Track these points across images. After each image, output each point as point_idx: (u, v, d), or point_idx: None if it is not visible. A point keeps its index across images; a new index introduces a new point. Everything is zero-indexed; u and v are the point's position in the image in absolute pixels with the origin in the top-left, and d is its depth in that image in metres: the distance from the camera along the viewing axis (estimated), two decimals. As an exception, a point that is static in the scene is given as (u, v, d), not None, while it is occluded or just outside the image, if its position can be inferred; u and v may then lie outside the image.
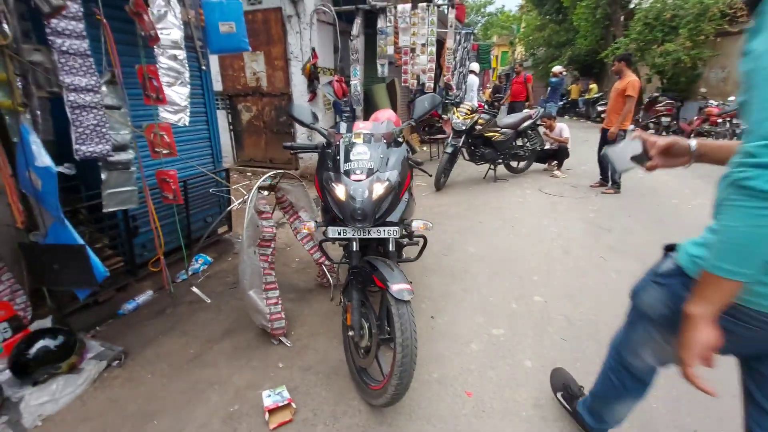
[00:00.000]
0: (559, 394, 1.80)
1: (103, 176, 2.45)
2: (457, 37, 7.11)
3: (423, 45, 5.57)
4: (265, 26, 6.21)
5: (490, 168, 6.08)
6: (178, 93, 2.78)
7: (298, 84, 6.26)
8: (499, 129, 5.65)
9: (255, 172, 7.13)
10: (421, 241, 2.09)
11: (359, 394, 1.90)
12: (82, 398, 2.01)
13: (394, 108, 7.80)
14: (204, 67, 3.13)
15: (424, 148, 8.56)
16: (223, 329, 2.54)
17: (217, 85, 6.92)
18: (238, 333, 2.48)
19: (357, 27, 5.61)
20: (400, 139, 1.89)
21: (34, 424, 1.85)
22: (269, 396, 1.85)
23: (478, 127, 5.50)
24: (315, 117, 1.91)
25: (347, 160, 1.69)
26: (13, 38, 1.86)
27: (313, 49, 5.91)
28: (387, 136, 1.82)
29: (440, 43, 7.02)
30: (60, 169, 1.96)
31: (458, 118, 5.39)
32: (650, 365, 1.21)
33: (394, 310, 1.64)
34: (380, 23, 5.56)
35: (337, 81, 5.92)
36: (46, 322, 2.42)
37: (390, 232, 1.76)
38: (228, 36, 3.23)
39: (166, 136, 2.76)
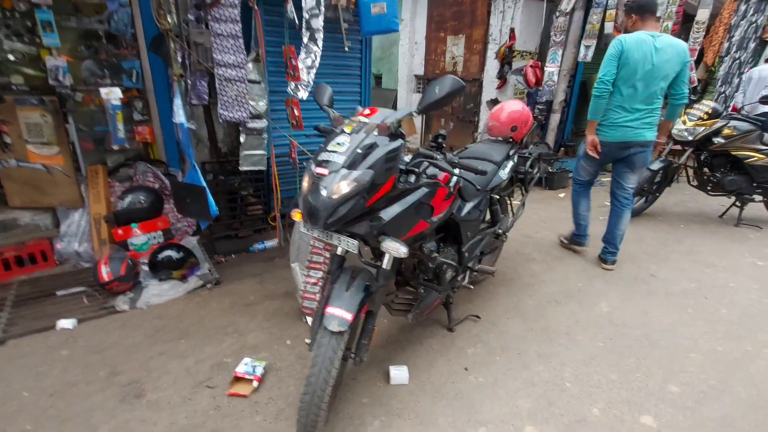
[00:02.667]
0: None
1: (241, 139, 3.00)
2: (742, 8, 4.81)
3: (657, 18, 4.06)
4: (471, 7, 5.94)
5: (734, 204, 4.05)
6: (310, 71, 3.03)
7: (491, 69, 5.78)
8: (763, 148, 3.63)
9: (435, 156, 7.20)
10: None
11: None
12: (175, 302, 2.64)
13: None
14: (347, 49, 3.27)
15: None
16: (284, 290, 2.77)
17: (421, 69, 7.22)
18: (290, 299, 2.66)
19: (568, 0, 4.62)
20: (402, 131, 1.47)
21: (140, 307, 2.57)
22: (246, 365, 1.93)
23: (718, 140, 3.70)
24: (331, 99, 1.71)
25: (325, 149, 1.45)
26: (177, 24, 2.46)
27: (512, 30, 5.28)
28: (382, 127, 1.44)
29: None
30: (188, 125, 2.54)
31: (683, 123, 3.76)
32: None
33: (318, 337, 1.36)
34: (599, -7, 4.38)
35: (531, 67, 5.13)
36: (192, 241, 3.27)
37: (348, 245, 1.44)
38: (379, 17, 3.25)
39: (295, 110, 3.10)
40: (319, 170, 1.39)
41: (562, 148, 5.93)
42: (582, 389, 1.90)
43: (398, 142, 1.44)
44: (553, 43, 4.89)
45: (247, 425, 1.67)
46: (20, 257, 2.78)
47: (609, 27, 4.39)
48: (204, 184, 2.66)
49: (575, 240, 3.37)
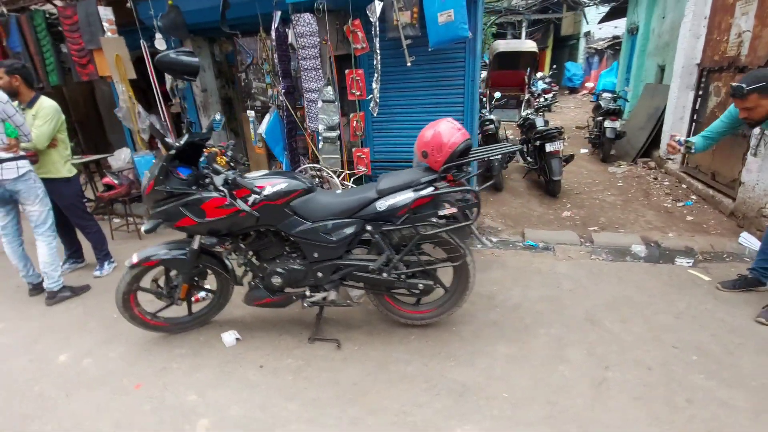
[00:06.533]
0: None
1: (319, 146, 3.92)
2: None
3: None
4: (773, -53, 3.51)
5: None
6: (376, 88, 3.49)
7: (780, 49, 3.35)
8: None
9: (690, 185, 4.90)
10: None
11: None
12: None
13: None
14: (409, 64, 3.35)
15: None
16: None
17: (696, 55, 4.95)
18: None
19: None
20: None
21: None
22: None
23: None
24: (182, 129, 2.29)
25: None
26: (272, 67, 3.63)
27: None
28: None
29: None
30: (261, 132, 3.74)
31: None
32: None
33: None
34: None
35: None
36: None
37: None
38: (446, 26, 3.26)
39: (361, 123, 3.67)
40: (151, 171, 2.25)
41: None
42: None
43: (161, 159, 2.04)
44: None
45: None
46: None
47: None
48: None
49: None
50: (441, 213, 2.03)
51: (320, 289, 2.32)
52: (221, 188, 2.02)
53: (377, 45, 3.29)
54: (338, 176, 3.71)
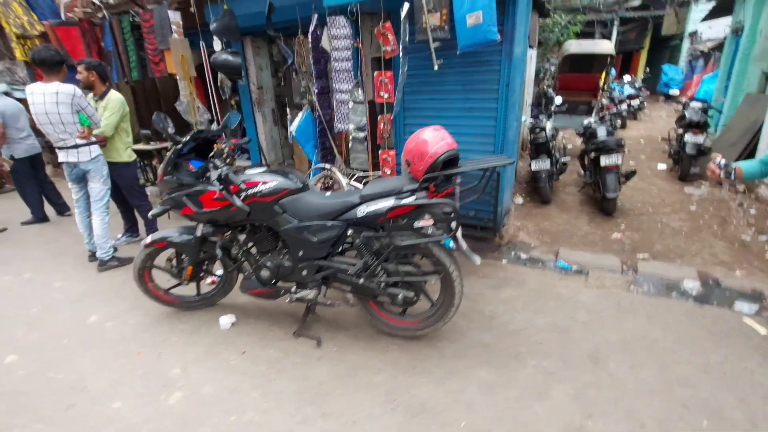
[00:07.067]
0: None
1: (349, 145, 3.99)
2: None
3: None
4: None
5: None
6: (398, 92, 3.49)
7: None
8: None
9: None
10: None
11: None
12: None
13: None
14: (436, 67, 3.25)
15: None
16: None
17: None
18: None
19: None
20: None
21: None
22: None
23: None
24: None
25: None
26: (307, 69, 3.76)
27: None
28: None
29: None
30: (292, 129, 3.89)
31: None
32: None
33: None
34: None
35: None
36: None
37: None
38: (474, 28, 3.17)
39: (388, 125, 3.67)
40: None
41: None
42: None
43: (170, 152, 2.23)
44: None
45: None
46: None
47: None
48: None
49: None
50: (416, 225, 1.96)
51: (306, 287, 2.39)
52: (215, 182, 2.17)
53: (401, 48, 3.25)
54: (350, 177, 3.77)
